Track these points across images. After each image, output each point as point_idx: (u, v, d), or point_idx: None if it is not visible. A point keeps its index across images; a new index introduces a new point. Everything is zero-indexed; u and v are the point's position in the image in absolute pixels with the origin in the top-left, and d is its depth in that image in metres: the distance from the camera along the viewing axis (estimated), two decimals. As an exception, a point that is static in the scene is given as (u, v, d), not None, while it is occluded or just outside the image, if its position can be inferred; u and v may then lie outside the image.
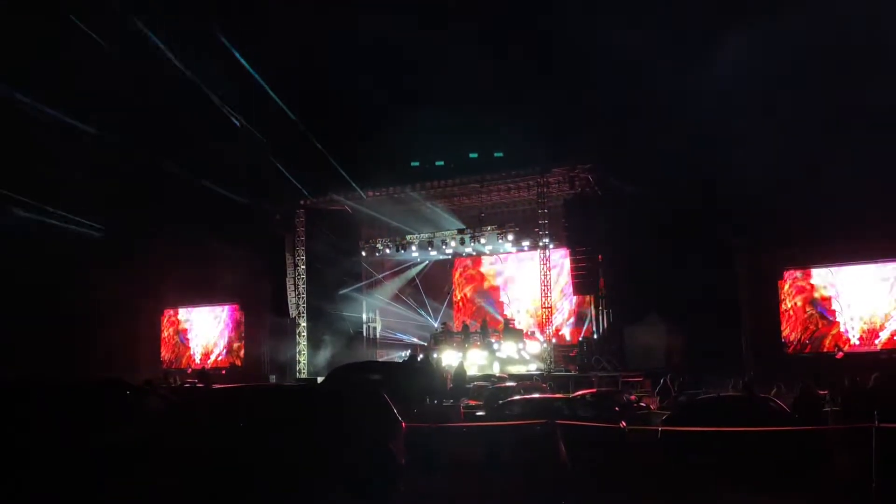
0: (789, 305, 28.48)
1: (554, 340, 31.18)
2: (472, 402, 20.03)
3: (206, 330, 38.73)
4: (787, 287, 28.63)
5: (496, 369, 29.03)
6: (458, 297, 36.82)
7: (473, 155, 30.86)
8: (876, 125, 24.31)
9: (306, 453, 11.01)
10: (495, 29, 32.30)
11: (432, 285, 36.39)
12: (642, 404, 20.52)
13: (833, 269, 28.02)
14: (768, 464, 12.33)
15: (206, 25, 26.81)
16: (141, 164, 30.88)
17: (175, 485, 10.79)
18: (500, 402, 18.93)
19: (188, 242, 32.89)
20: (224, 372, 35.20)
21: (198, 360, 37.70)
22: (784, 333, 28.33)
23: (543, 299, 30.67)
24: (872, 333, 27.04)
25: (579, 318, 33.08)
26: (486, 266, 36.25)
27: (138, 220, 33.49)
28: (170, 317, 39.76)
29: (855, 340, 27.27)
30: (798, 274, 28.56)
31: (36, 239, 29.89)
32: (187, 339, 39.18)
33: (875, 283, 27.27)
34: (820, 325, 27.96)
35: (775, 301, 28.54)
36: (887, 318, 26.84)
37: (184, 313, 39.47)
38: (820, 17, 23.89)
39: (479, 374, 27.37)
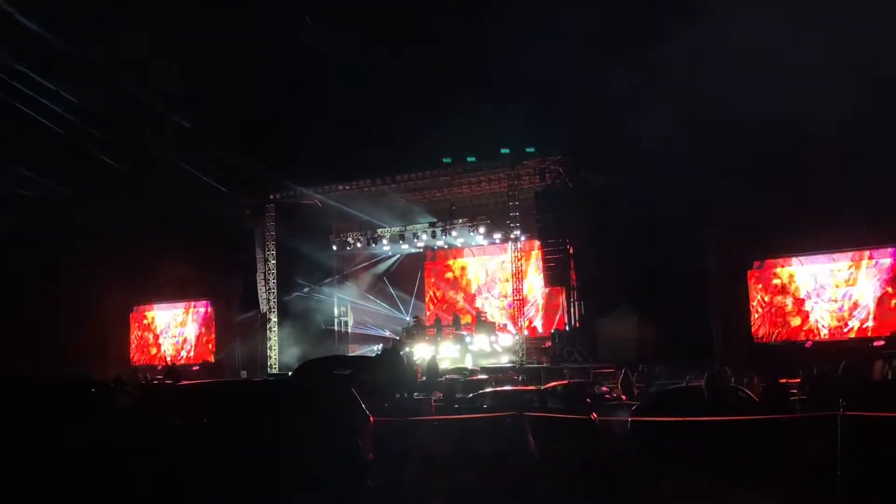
0: (759, 297, 28.70)
1: (526, 333, 31.23)
2: (439, 395, 19.97)
3: (175, 327, 38.43)
4: (756, 279, 28.85)
5: (469, 362, 29.04)
6: (430, 291, 36.76)
7: (447, 160, 30.73)
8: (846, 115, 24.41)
9: (272, 449, 10.89)
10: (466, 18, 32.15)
11: (404, 279, 36.32)
12: (613, 395, 20.58)
13: (801, 259, 28.25)
14: (735, 453, 12.35)
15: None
16: (110, 156, 30.47)
17: (141, 482, 10.67)
18: (471, 394, 18.94)
19: (157, 238, 32.59)
20: (195, 368, 34.92)
21: (168, 358, 37.38)
22: (754, 324, 28.55)
23: (515, 292, 30.71)
24: (842, 322, 27.27)
25: (550, 310, 33.16)
26: (458, 260, 36.19)
27: (106, 216, 33.09)
28: (139, 314, 39.40)
29: (825, 331, 27.51)
30: (767, 265, 28.78)
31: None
32: (157, 336, 38.87)
33: (843, 273, 27.50)
34: (787, 317, 28.18)
35: (745, 292, 28.78)
36: (855, 306, 27.08)
37: (153, 310, 39.13)
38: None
39: (452, 367, 27.36)
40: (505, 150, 29.70)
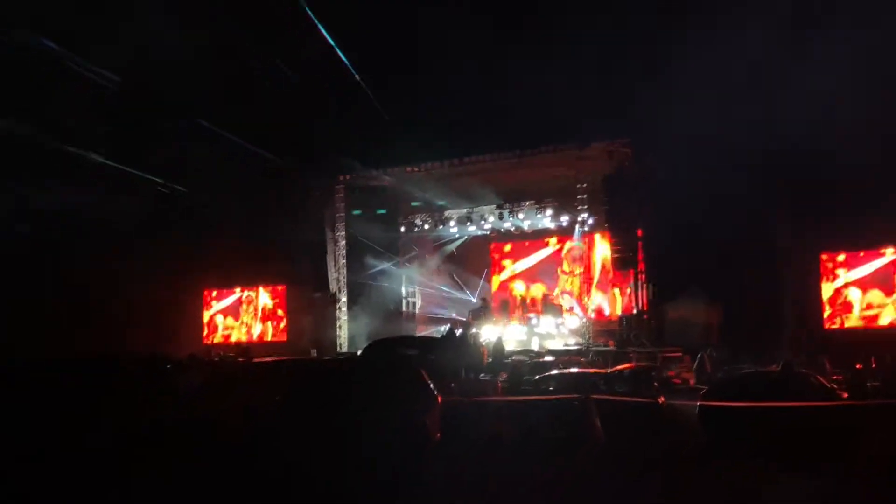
0: (831, 283, 28.06)
1: (593, 315, 31.09)
2: (504, 376, 20.04)
3: (247, 307, 39.14)
4: (829, 264, 28.20)
5: (535, 345, 29.08)
6: (497, 273, 36.78)
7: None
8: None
9: (339, 426, 11.10)
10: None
11: (471, 261, 36.40)
12: (679, 380, 20.43)
13: (879, 250, 27.52)
14: (805, 439, 12.19)
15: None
16: (182, 142, 31.00)
17: (207, 460, 10.96)
18: (538, 376, 18.97)
19: (228, 220, 33.16)
20: (268, 347, 35.55)
21: (242, 338, 38.13)
22: (825, 310, 27.94)
23: (582, 275, 30.58)
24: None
25: (618, 294, 32.93)
26: (525, 242, 36.11)
27: (180, 199, 33.77)
28: (211, 295, 40.22)
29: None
30: (840, 255, 28.11)
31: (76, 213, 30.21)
32: (229, 317, 39.64)
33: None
34: (859, 305, 27.50)
35: (816, 278, 28.15)
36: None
37: (226, 291, 39.91)
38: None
39: (518, 349, 27.42)
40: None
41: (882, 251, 27.37)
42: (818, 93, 24.24)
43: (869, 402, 13.77)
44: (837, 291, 27.96)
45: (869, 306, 27.39)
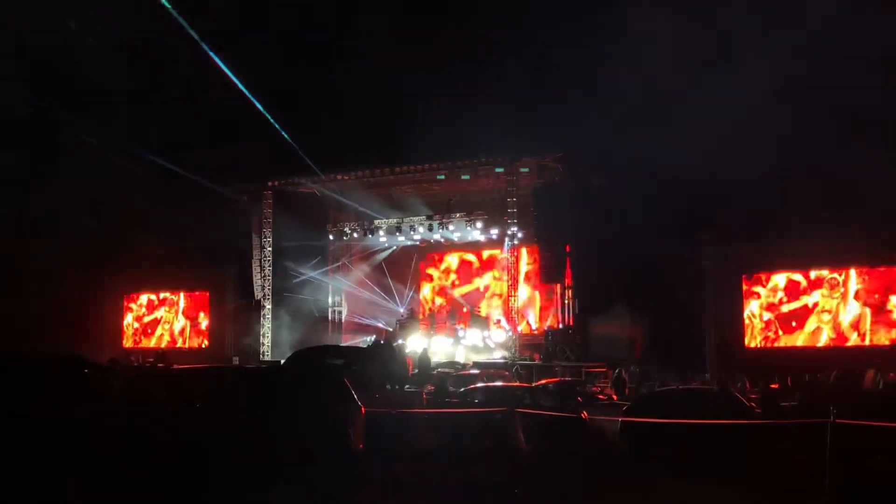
0: (751, 303, 28.71)
1: (519, 329, 31.23)
2: (431, 388, 19.99)
3: (169, 312, 38.35)
4: (750, 285, 28.86)
5: (461, 356, 29.07)
6: (425, 284, 36.78)
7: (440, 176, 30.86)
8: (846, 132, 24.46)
9: (260, 435, 10.89)
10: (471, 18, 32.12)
11: (399, 271, 36.27)
12: (603, 395, 20.61)
13: (796, 270, 28.24)
14: (724, 456, 12.38)
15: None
16: (104, 146, 30.33)
17: (129, 464, 10.68)
18: (463, 389, 18.95)
19: (152, 223, 32.50)
20: (189, 354, 34.85)
21: (162, 343, 37.32)
22: (746, 330, 28.57)
23: (510, 288, 30.71)
24: (836, 333, 27.28)
25: (544, 308, 33.23)
26: (453, 254, 36.18)
27: (104, 201, 33.03)
28: (133, 299, 39.31)
29: (820, 341, 27.53)
30: (762, 273, 28.79)
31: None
32: (151, 322, 38.79)
33: (837, 287, 27.49)
34: (780, 326, 28.21)
35: (739, 298, 28.77)
36: (854, 319, 27.06)
37: (147, 295, 39.04)
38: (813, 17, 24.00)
39: (444, 361, 27.38)
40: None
41: (801, 273, 28.10)
42: (739, 122, 24.94)
43: (783, 420, 14.05)
44: (757, 312, 28.60)
45: (786, 327, 28.09)
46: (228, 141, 31.27)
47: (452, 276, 36.50)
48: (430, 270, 36.92)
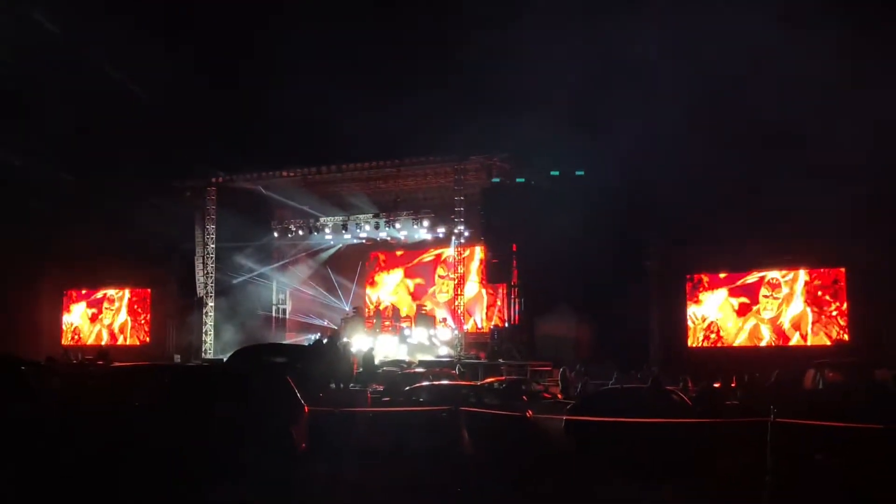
0: (695, 304, 29.12)
1: (465, 328, 31.23)
2: (380, 388, 19.87)
3: (110, 309, 37.63)
4: (694, 285, 29.27)
5: (406, 355, 28.97)
6: (370, 282, 36.59)
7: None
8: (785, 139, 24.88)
9: (200, 434, 10.68)
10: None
11: (345, 269, 36.02)
12: (549, 393, 20.68)
13: (738, 271, 28.69)
14: (667, 455, 12.47)
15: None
16: (44, 138, 29.67)
17: (63, 464, 10.42)
18: (408, 387, 18.85)
19: (93, 218, 31.91)
20: (130, 352, 34.26)
21: (102, 340, 36.61)
22: (689, 329, 28.97)
23: (456, 287, 30.70)
24: (778, 334, 27.76)
25: (490, 306, 33.29)
26: (400, 252, 36.04)
27: (42, 196, 32.32)
28: (73, 296, 38.50)
29: (762, 341, 28.01)
30: (706, 273, 29.21)
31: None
32: (91, 318, 38.02)
33: (780, 288, 27.99)
34: (723, 326, 28.65)
35: (682, 298, 29.20)
36: (796, 320, 27.56)
37: (87, 292, 38.26)
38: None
39: (389, 359, 27.24)
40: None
41: (743, 274, 28.56)
42: (685, 124, 25.24)
43: (725, 419, 14.20)
44: (700, 312, 29.02)
45: (728, 327, 28.54)
46: (172, 135, 30.70)
47: (397, 275, 36.33)
48: (375, 269, 36.73)
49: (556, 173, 28.50)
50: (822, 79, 23.42)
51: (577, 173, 28.28)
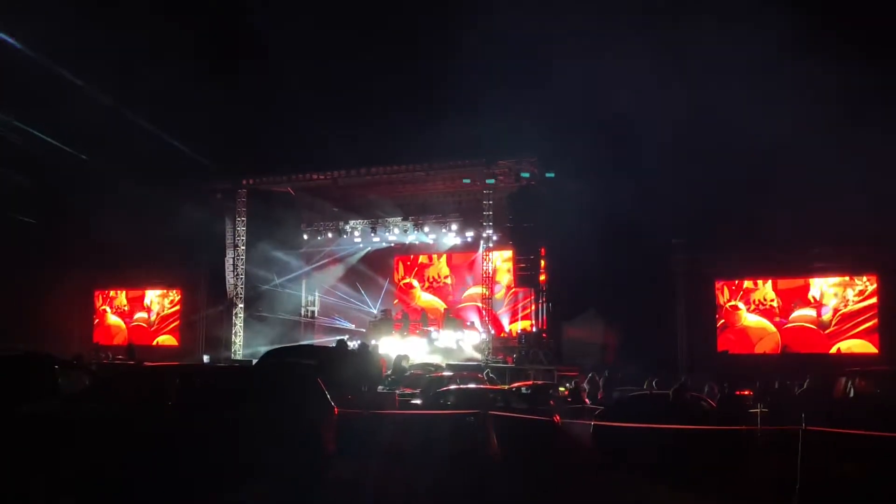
0: (726, 308, 28.96)
1: (493, 332, 31.22)
2: (408, 391, 19.91)
3: (141, 308, 38.07)
4: (724, 290, 29.11)
5: (434, 359, 28.98)
6: (399, 286, 36.67)
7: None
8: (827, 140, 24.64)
9: (230, 435, 10.78)
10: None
11: (373, 272, 36.13)
12: (576, 398, 20.58)
13: (770, 276, 28.52)
14: (695, 462, 12.43)
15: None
16: (78, 138, 30.08)
17: (93, 462, 10.56)
18: (436, 391, 18.87)
19: (125, 218, 32.24)
20: (159, 352, 34.65)
21: (133, 340, 37.00)
22: (719, 334, 28.82)
23: (484, 291, 30.72)
24: (811, 340, 27.54)
25: (518, 311, 33.25)
26: (428, 256, 36.10)
27: (76, 197, 32.79)
28: (104, 295, 38.99)
29: (793, 350, 27.81)
30: (734, 283, 29.07)
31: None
32: (122, 318, 38.47)
33: (814, 292, 27.79)
34: (753, 331, 28.46)
35: (712, 303, 29.07)
36: (826, 327, 27.34)
37: (119, 291, 38.73)
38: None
39: (417, 362, 27.28)
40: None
41: (774, 280, 28.36)
42: (715, 129, 25.10)
43: (756, 427, 14.10)
44: (730, 318, 28.85)
45: (758, 333, 28.35)
46: (205, 138, 31.02)
47: (426, 279, 36.40)
48: (404, 273, 36.82)
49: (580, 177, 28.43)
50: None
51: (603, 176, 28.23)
